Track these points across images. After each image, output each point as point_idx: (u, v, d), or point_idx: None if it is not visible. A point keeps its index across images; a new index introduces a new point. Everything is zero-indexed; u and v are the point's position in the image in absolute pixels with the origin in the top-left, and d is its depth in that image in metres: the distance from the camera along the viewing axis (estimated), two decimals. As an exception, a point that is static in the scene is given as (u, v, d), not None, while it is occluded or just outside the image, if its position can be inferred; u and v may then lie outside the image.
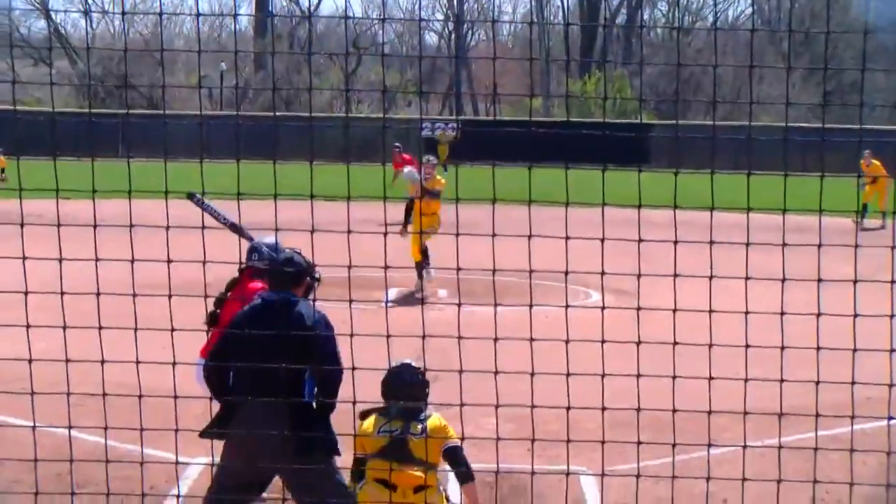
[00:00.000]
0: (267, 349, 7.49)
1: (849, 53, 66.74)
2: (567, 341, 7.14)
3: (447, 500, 8.38)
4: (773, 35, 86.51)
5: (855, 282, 7.28)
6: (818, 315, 7.13)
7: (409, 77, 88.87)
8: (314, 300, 8.04)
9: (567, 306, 7.27)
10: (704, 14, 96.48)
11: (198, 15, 7.40)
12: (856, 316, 7.29)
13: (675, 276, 7.20)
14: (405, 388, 8.36)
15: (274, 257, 8.01)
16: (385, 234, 7.49)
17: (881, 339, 7.27)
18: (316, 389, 7.86)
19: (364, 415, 8.36)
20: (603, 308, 7.32)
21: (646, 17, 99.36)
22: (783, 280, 7.22)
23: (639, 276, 7.40)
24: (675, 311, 7.16)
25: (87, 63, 76.98)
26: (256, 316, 7.83)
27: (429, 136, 64.31)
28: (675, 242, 7.21)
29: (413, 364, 8.51)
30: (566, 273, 7.21)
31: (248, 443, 7.57)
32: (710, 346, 7.23)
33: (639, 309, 7.34)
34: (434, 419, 8.30)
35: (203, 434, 7.89)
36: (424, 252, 21.87)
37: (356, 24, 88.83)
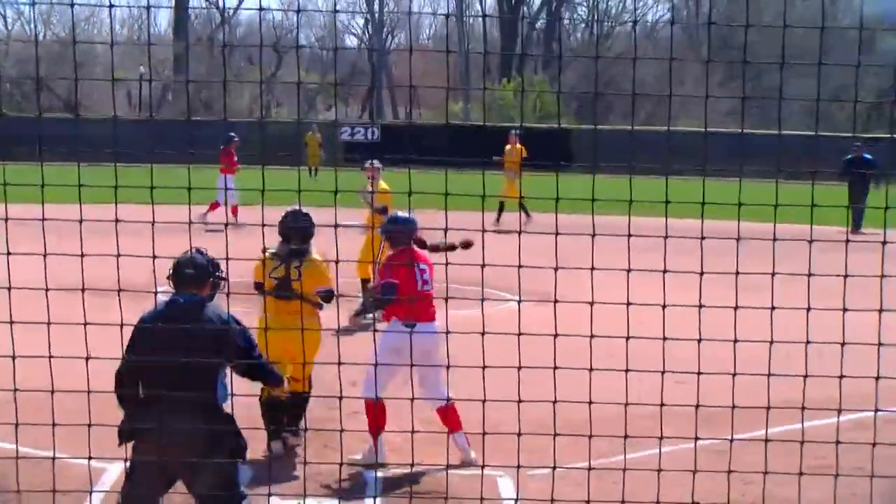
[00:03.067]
0: (177, 349, 7.41)
1: (767, 56, 67.22)
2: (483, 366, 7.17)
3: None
4: (692, 39, 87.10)
5: (773, 273, 7.36)
6: (735, 307, 7.21)
7: (330, 80, 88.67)
8: (228, 295, 8.02)
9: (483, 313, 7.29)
10: (623, 19, 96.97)
11: (110, 7, 7.30)
12: (772, 308, 7.39)
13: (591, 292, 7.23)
14: (293, 229, 11.08)
15: (178, 259, 7.92)
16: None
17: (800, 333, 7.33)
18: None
19: (264, 251, 10.31)
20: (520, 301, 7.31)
21: (565, 22, 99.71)
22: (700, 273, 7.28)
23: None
24: (589, 326, 7.19)
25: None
26: (163, 317, 7.73)
27: (350, 140, 64.37)
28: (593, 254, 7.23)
29: (303, 210, 10.64)
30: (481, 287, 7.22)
31: (160, 440, 7.49)
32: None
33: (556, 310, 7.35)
34: (312, 260, 11.11)
35: (121, 438, 7.79)
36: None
37: (276, 28, 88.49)
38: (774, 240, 7.31)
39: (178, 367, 7.35)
